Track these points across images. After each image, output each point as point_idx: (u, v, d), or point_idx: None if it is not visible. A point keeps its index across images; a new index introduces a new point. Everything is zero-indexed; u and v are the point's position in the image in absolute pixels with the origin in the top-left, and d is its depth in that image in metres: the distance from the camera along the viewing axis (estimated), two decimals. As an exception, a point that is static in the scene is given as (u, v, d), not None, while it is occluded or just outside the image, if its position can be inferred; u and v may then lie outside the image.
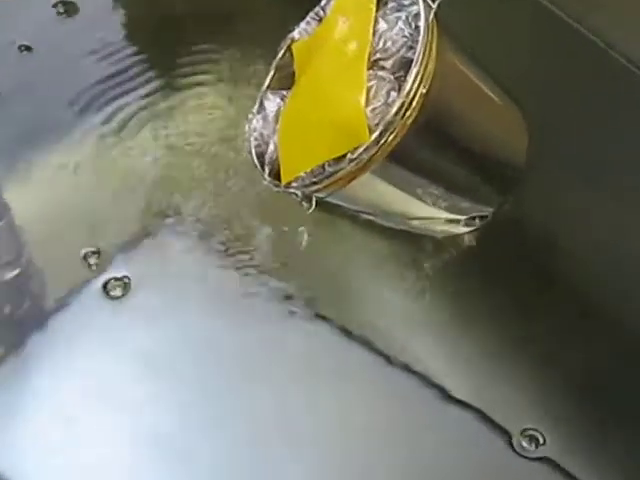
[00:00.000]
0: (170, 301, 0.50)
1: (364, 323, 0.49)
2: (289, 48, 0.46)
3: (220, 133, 0.57)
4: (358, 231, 0.51)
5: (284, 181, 0.42)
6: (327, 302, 0.50)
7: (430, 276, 0.50)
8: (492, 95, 0.45)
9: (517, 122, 0.47)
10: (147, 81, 0.59)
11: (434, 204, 0.44)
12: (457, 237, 0.49)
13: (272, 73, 0.46)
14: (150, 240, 0.53)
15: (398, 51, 0.40)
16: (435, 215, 0.46)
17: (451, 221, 0.47)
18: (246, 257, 0.52)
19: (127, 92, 0.58)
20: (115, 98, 0.58)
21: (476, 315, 0.49)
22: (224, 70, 0.60)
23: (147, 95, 0.58)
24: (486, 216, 0.47)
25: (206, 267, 0.52)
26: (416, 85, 0.38)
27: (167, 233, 0.53)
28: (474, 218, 0.47)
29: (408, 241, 0.50)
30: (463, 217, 0.47)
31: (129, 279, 0.51)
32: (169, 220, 0.53)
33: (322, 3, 0.46)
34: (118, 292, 0.50)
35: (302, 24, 0.46)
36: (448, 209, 0.45)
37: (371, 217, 0.48)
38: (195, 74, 0.60)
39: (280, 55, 0.46)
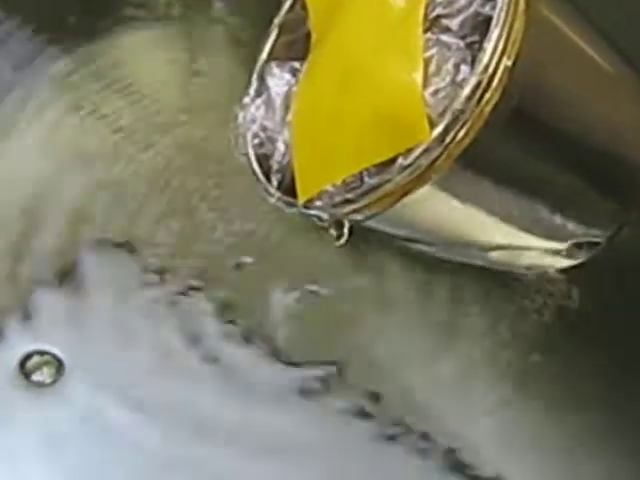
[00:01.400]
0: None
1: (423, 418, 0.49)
2: None
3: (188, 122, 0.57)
4: (403, 269, 0.51)
5: (302, 198, 0.40)
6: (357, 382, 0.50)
7: (515, 343, 0.50)
8: (607, 66, 0.43)
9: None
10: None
11: (523, 227, 0.43)
12: (555, 276, 0.48)
13: (275, 35, 0.45)
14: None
15: (469, 4, 0.38)
16: (524, 243, 0.44)
17: (547, 251, 0.45)
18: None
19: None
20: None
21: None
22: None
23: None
24: (599, 243, 0.46)
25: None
26: (497, 55, 0.36)
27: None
28: (581, 246, 0.45)
29: (480, 282, 0.50)
30: (565, 245, 0.45)
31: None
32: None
33: None
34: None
35: None
36: (544, 234, 0.44)
37: (425, 248, 0.46)
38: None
39: (286, 7, 0.45)
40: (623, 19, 0.49)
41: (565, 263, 0.46)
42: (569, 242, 0.45)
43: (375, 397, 0.51)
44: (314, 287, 0.53)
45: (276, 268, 0.54)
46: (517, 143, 0.39)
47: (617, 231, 0.45)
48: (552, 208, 0.42)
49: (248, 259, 0.55)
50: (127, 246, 0.56)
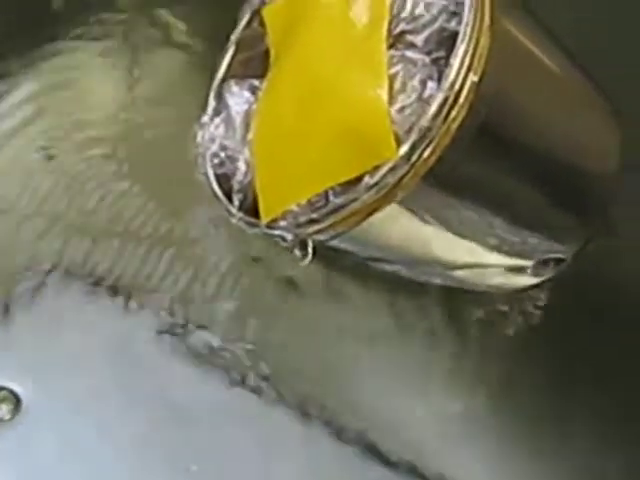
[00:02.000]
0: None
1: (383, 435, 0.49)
2: (257, 13, 0.44)
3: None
4: (367, 290, 0.51)
5: (266, 218, 0.40)
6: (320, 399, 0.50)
7: (480, 359, 0.49)
8: (566, 76, 0.43)
9: (605, 117, 0.45)
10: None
11: (490, 245, 0.42)
12: (521, 293, 0.48)
13: (232, 52, 0.44)
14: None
15: (434, 20, 0.37)
16: (490, 261, 0.43)
17: (513, 269, 0.45)
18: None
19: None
20: None
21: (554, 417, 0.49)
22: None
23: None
24: (564, 259, 0.45)
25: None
26: (464, 71, 0.35)
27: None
28: (546, 263, 0.45)
29: (446, 301, 0.50)
30: (531, 262, 0.45)
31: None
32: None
33: None
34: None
35: None
36: (510, 251, 0.43)
37: (389, 267, 0.45)
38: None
39: (243, 24, 0.44)
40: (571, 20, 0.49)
41: (531, 281, 0.46)
42: (535, 259, 0.45)
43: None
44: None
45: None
46: (483, 159, 0.39)
47: (582, 247, 0.45)
48: (518, 224, 0.42)
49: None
50: (84, 277, 0.55)
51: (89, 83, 0.62)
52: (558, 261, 0.45)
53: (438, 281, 0.47)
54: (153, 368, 0.53)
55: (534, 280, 0.46)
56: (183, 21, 0.63)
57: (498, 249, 0.43)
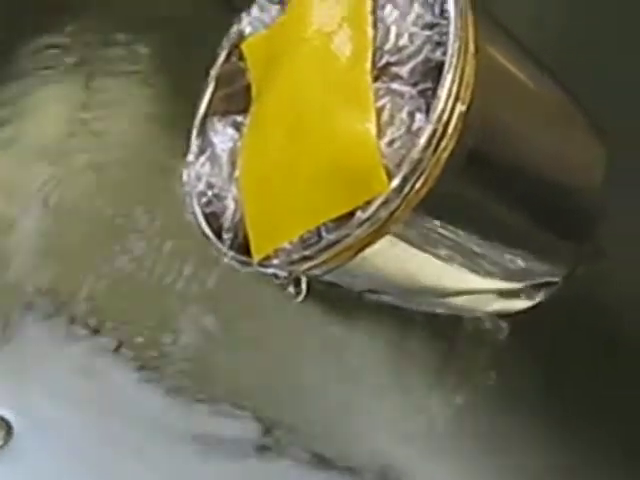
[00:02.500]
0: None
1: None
2: (236, 48, 0.44)
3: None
4: (360, 322, 0.50)
5: (258, 256, 0.39)
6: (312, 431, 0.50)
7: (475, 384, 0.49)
8: (554, 101, 0.44)
9: (590, 135, 0.45)
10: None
11: (483, 270, 0.42)
12: (514, 317, 0.47)
13: (211, 88, 0.44)
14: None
15: (419, 51, 0.37)
16: (484, 286, 0.43)
17: (505, 293, 0.45)
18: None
19: None
20: None
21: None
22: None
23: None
24: (555, 282, 0.45)
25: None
26: (452, 101, 0.35)
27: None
28: (538, 287, 0.45)
29: (441, 329, 0.49)
30: (523, 286, 0.45)
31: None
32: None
33: None
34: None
35: (254, 10, 0.44)
36: (502, 276, 0.43)
37: (383, 297, 0.45)
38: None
39: (221, 60, 0.44)
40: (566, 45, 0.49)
41: (523, 304, 0.46)
42: (527, 283, 0.44)
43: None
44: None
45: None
46: (474, 186, 0.39)
47: (573, 269, 0.45)
48: (510, 248, 0.42)
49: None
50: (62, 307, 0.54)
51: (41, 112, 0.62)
52: (550, 284, 0.45)
53: (432, 309, 0.46)
54: (134, 396, 0.52)
55: (527, 304, 0.46)
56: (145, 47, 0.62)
57: (491, 274, 0.42)
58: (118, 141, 0.60)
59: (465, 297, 0.44)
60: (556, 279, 0.45)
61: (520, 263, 0.43)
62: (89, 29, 0.63)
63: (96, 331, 0.55)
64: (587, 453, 0.48)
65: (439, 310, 0.46)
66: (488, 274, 0.42)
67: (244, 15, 0.44)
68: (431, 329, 0.50)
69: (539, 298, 0.46)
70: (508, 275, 0.43)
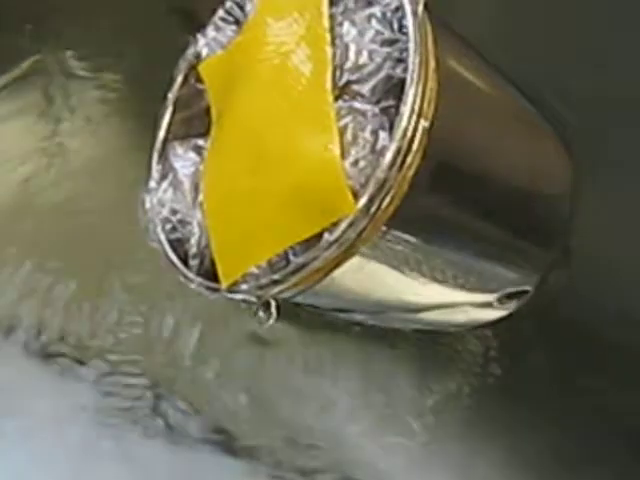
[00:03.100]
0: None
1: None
2: (193, 70, 0.43)
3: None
4: (331, 344, 0.50)
5: (226, 282, 0.39)
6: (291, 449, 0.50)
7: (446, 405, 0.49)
8: (510, 103, 0.43)
9: (554, 145, 0.45)
10: None
11: (455, 283, 0.42)
12: (484, 330, 0.48)
13: (170, 111, 0.43)
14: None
15: (379, 68, 0.36)
16: (456, 299, 0.43)
17: (478, 305, 0.45)
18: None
19: None
20: None
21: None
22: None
23: None
24: (527, 291, 0.45)
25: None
26: (415, 118, 0.35)
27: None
28: (511, 296, 0.45)
29: (413, 348, 0.49)
30: (495, 296, 0.44)
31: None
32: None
33: None
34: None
35: (209, 30, 0.43)
36: (474, 287, 0.43)
37: (355, 316, 0.45)
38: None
39: (179, 82, 0.43)
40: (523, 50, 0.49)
41: (497, 314, 0.46)
42: (499, 293, 0.44)
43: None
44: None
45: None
46: (442, 199, 0.38)
47: (544, 278, 0.45)
48: (480, 259, 0.42)
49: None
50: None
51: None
52: (522, 293, 0.45)
53: (406, 325, 0.46)
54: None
55: (499, 314, 0.46)
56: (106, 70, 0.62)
57: (463, 286, 0.42)
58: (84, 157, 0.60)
59: (438, 311, 0.43)
60: (529, 288, 0.45)
61: (493, 273, 0.43)
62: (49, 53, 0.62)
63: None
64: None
65: (412, 326, 0.46)
66: (461, 286, 0.42)
67: (200, 36, 0.43)
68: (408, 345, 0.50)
69: (511, 308, 0.45)
70: (481, 286, 0.43)
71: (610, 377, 0.48)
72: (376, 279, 0.39)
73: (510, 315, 0.46)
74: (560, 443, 0.48)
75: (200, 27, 0.43)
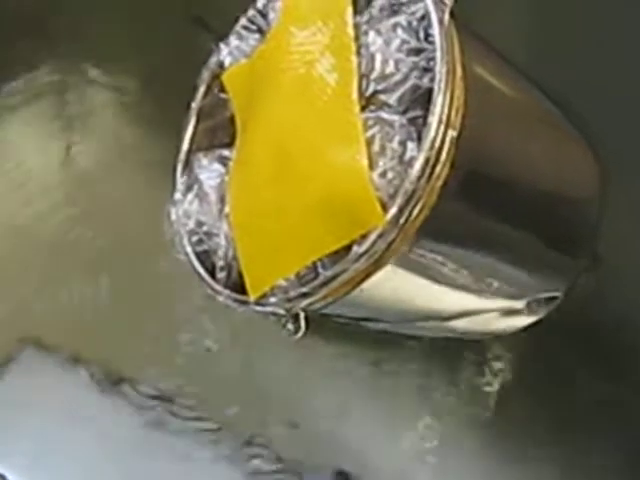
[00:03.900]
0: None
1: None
2: (216, 79, 0.43)
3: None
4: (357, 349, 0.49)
5: (254, 295, 0.38)
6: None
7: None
8: (535, 105, 0.43)
9: (581, 149, 0.45)
10: None
11: (484, 290, 0.42)
12: (516, 336, 0.47)
13: (193, 122, 0.43)
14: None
15: (406, 78, 0.36)
16: (486, 306, 0.43)
17: (508, 312, 0.44)
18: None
19: None
20: None
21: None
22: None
23: None
24: (557, 297, 0.45)
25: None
26: (443, 128, 0.35)
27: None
28: (540, 302, 0.45)
29: (440, 356, 0.49)
30: (525, 302, 0.44)
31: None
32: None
33: (258, 3, 0.42)
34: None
35: (232, 39, 0.43)
36: (504, 294, 0.43)
37: (383, 326, 0.44)
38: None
39: (202, 92, 0.43)
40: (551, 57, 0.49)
41: (526, 321, 0.46)
42: (529, 299, 0.44)
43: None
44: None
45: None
46: (471, 207, 0.38)
47: (573, 283, 0.45)
48: (510, 266, 0.42)
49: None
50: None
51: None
52: (552, 299, 0.45)
53: (435, 334, 0.46)
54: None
55: (529, 320, 0.45)
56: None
57: (493, 293, 0.42)
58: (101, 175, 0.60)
59: (467, 319, 0.43)
60: (558, 293, 0.45)
61: (522, 280, 0.43)
62: (66, 60, 0.62)
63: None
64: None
65: (440, 334, 0.45)
66: (491, 293, 0.42)
67: (222, 45, 0.43)
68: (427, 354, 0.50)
69: (542, 314, 0.45)
70: (511, 293, 0.43)
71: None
72: (405, 289, 0.39)
73: (539, 321, 0.45)
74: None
75: (218, 35, 0.43)
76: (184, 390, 0.53)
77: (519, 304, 0.44)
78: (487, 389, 0.50)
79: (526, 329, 0.46)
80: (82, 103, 0.61)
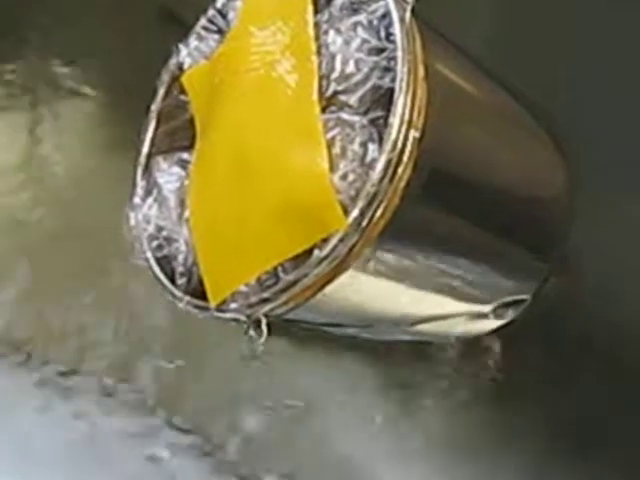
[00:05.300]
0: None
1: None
2: (176, 81, 0.42)
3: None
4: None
5: (215, 301, 0.38)
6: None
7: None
8: (501, 106, 0.43)
9: (549, 150, 0.44)
10: None
11: (450, 293, 0.41)
12: (480, 341, 0.47)
13: (153, 124, 0.43)
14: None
15: (367, 78, 0.36)
16: (452, 310, 0.43)
17: (475, 315, 0.44)
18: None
19: None
20: None
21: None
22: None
23: None
24: (524, 300, 0.45)
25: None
26: (404, 128, 0.34)
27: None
28: (508, 305, 0.44)
29: (403, 360, 0.49)
30: (492, 306, 0.44)
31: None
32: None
33: (217, 3, 0.42)
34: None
35: (191, 39, 0.42)
36: (470, 297, 0.43)
37: (349, 331, 0.44)
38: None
39: (161, 94, 0.43)
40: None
41: (494, 324, 0.45)
42: (496, 303, 0.44)
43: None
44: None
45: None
46: (435, 208, 0.38)
47: (541, 286, 0.45)
48: (476, 269, 0.41)
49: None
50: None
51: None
52: (519, 302, 0.45)
53: (400, 338, 0.45)
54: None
55: (497, 323, 0.45)
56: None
57: (458, 297, 0.42)
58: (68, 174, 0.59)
59: (433, 323, 0.43)
60: (525, 297, 0.44)
61: (489, 282, 0.43)
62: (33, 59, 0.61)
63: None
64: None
65: (406, 338, 0.45)
66: (456, 297, 0.42)
67: (182, 46, 0.42)
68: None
69: (509, 317, 0.45)
70: (477, 296, 0.43)
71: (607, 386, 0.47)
72: (369, 293, 0.39)
73: (507, 324, 0.45)
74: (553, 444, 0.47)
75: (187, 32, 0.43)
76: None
77: (486, 308, 0.44)
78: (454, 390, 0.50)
79: (494, 332, 0.45)
80: (50, 106, 0.61)
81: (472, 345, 0.48)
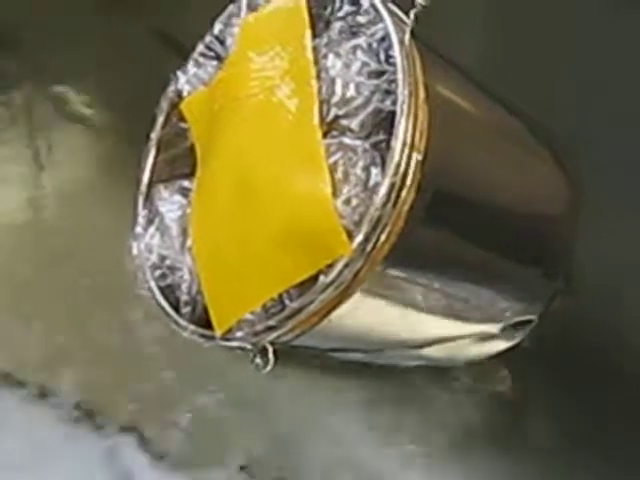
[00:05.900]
0: None
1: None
2: (175, 109, 0.42)
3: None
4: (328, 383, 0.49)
5: (220, 330, 0.38)
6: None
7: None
8: (510, 134, 0.43)
9: (551, 167, 0.44)
10: None
11: (457, 316, 0.41)
12: (489, 362, 0.46)
13: (153, 152, 0.43)
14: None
15: (368, 101, 0.36)
16: (459, 332, 0.42)
17: (483, 337, 0.44)
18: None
19: None
20: None
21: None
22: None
23: None
24: (531, 320, 0.44)
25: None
26: (407, 151, 0.34)
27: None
28: (515, 326, 0.44)
29: (413, 385, 0.48)
30: (499, 327, 0.44)
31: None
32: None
33: (215, 29, 0.42)
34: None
35: (190, 66, 0.43)
36: (477, 319, 0.43)
37: (355, 356, 0.44)
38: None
39: (161, 122, 0.43)
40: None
41: (502, 346, 0.45)
42: (503, 324, 0.43)
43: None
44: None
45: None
46: (438, 232, 0.38)
47: (547, 306, 0.44)
48: (481, 290, 0.41)
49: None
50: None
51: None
52: (526, 323, 0.44)
53: (407, 363, 0.45)
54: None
55: (505, 345, 0.45)
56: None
57: (465, 319, 0.42)
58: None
59: (439, 346, 0.42)
60: (532, 317, 0.44)
61: (495, 304, 0.43)
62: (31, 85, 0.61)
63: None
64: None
65: (413, 363, 0.45)
66: (463, 319, 0.42)
67: (180, 73, 0.42)
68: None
69: (517, 338, 0.45)
70: (484, 317, 0.43)
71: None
72: (375, 317, 0.38)
73: (516, 346, 0.45)
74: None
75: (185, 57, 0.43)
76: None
77: (494, 329, 0.43)
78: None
79: (501, 355, 0.45)
80: (48, 133, 0.61)
81: (481, 366, 0.47)
